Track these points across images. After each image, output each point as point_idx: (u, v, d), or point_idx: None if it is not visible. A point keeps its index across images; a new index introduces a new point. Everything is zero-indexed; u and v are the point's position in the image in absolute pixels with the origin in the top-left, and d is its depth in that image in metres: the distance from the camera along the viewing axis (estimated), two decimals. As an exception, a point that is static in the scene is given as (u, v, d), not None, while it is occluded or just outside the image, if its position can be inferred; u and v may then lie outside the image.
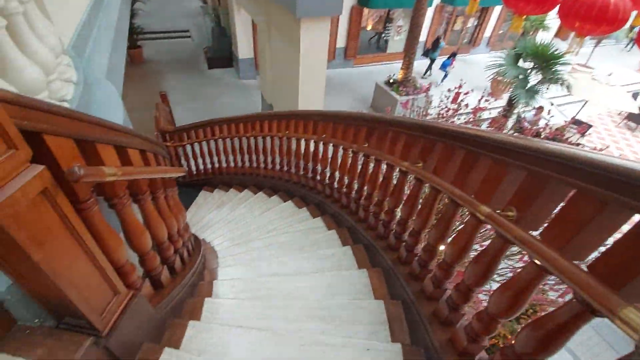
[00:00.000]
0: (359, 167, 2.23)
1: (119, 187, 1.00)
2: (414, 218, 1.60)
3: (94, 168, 0.80)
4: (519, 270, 1.03)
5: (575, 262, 0.73)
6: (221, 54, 10.20)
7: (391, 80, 8.72)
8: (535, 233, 0.88)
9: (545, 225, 0.89)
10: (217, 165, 4.50)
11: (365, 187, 2.22)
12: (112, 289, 0.97)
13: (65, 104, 1.43)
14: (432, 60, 10.84)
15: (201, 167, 4.64)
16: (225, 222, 3.51)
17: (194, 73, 9.77)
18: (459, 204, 1.19)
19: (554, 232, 0.84)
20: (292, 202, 3.37)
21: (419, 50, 9.87)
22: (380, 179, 1.99)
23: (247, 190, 4.10)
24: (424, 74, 11.24)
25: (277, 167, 3.71)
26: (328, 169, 2.82)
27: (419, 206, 1.57)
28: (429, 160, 1.41)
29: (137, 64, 10.13)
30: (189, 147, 4.48)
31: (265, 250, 2.49)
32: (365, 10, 10.56)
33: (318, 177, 3.07)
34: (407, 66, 8.30)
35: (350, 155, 2.32)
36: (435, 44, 10.46)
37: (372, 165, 2.05)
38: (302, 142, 3.05)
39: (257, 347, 1.35)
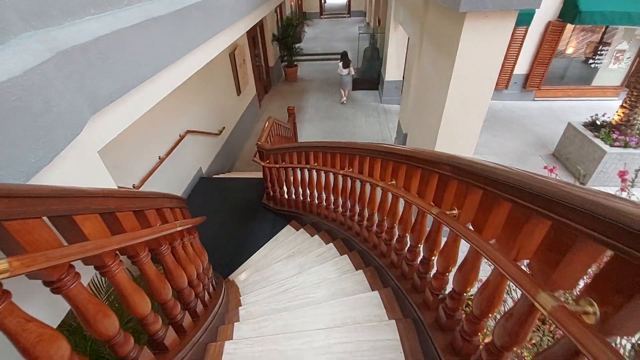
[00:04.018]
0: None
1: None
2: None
3: None
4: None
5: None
6: (368, 76, 9.68)
7: (598, 122, 5.85)
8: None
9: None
10: (309, 200, 3.51)
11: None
12: None
13: None
14: None
15: (293, 197, 3.77)
16: (281, 290, 2.42)
17: (336, 93, 9.46)
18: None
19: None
20: (379, 296, 2.00)
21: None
22: None
23: (332, 245, 2.93)
24: None
25: (375, 229, 2.38)
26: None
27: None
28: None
29: (290, 81, 10.70)
30: (282, 171, 3.69)
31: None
32: (568, 28, 7.83)
33: (429, 277, 1.59)
34: (634, 104, 5.34)
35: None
36: None
37: None
38: (414, 210, 1.64)
39: None
